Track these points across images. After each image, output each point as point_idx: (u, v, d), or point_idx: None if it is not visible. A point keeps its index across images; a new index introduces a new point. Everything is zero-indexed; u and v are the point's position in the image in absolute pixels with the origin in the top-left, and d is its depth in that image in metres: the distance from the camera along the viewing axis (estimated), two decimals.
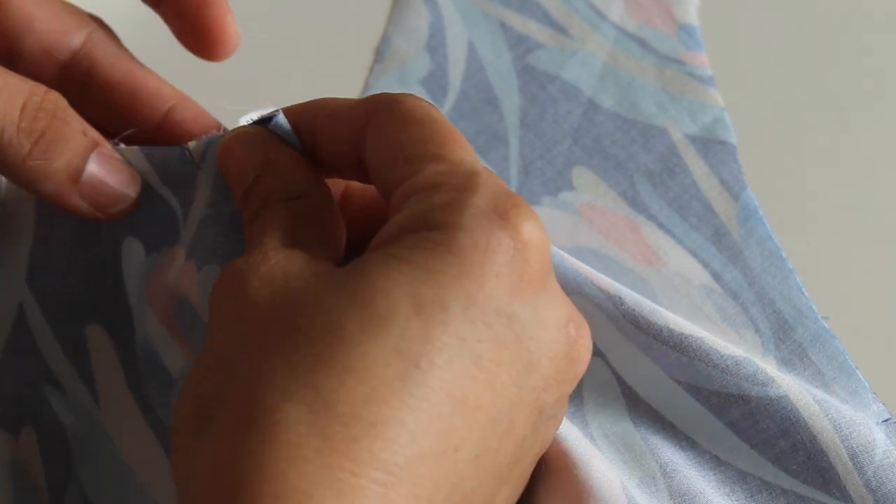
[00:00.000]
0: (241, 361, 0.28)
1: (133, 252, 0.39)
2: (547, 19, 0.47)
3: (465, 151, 0.30)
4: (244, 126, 0.35)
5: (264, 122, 0.35)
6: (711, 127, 0.45)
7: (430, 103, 0.31)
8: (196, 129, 0.38)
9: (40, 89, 0.36)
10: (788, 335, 0.40)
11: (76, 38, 0.39)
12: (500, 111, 0.45)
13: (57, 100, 0.36)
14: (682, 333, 0.36)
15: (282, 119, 0.34)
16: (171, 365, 0.39)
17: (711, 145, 0.44)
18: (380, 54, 0.47)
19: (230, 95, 0.46)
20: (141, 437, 0.39)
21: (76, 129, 0.36)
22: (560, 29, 0.47)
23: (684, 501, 0.35)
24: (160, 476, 0.38)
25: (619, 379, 0.36)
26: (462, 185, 0.29)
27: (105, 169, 0.37)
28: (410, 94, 0.32)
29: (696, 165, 0.44)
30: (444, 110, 0.45)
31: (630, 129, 0.45)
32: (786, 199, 0.44)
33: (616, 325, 0.36)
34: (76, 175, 0.36)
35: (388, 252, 0.28)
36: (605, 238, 0.42)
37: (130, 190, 0.37)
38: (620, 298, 0.36)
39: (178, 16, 0.38)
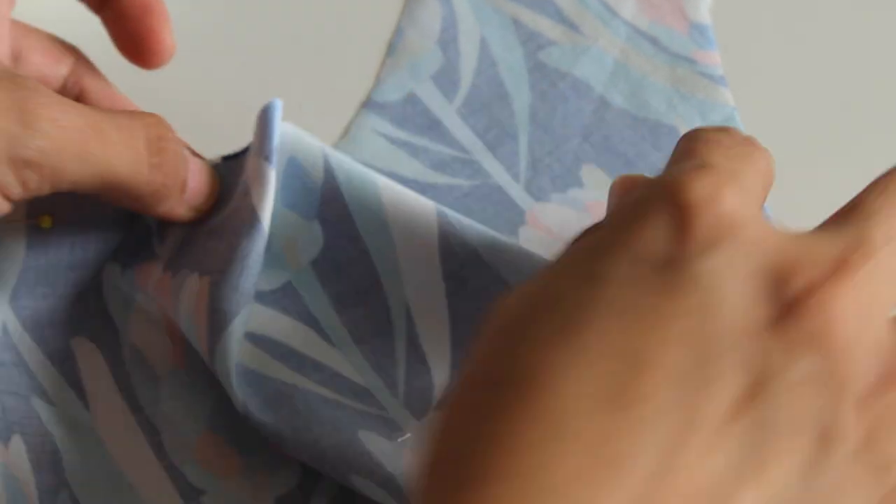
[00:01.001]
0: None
1: (114, 274, 0.40)
2: (559, 16, 0.47)
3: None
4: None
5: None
6: (722, 125, 0.45)
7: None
8: None
9: (149, 118, 0.36)
10: None
11: (63, 68, 0.39)
12: (510, 107, 0.45)
13: (161, 122, 0.37)
14: None
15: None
16: (160, 366, 0.40)
17: None
18: (392, 48, 0.47)
19: (240, 89, 0.46)
20: (130, 437, 0.39)
21: (181, 146, 0.37)
22: (572, 26, 0.47)
23: None
24: (148, 476, 0.39)
25: None
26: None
27: (194, 173, 0.38)
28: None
29: None
30: (454, 105, 0.45)
31: (640, 127, 0.45)
32: (795, 199, 0.44)
33: None
34: (184, 188, 0.38)
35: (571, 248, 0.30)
36: None
37: (214, 184, 0.39)
38: None
39: (119, 21, 0.38)
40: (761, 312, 0.26)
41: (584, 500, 0.24)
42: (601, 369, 0.25)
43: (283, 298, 0.39)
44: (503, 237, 0.38)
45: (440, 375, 0.38)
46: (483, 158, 0.44)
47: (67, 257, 0.39)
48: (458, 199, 0.43)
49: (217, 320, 0.36)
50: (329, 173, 0.39)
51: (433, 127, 0.45)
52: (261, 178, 0.37)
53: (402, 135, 0.45)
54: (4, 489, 0.38)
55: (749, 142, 0.32)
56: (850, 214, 0.30)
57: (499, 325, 0.28)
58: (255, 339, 0.38)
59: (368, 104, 0.45)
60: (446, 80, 0.46)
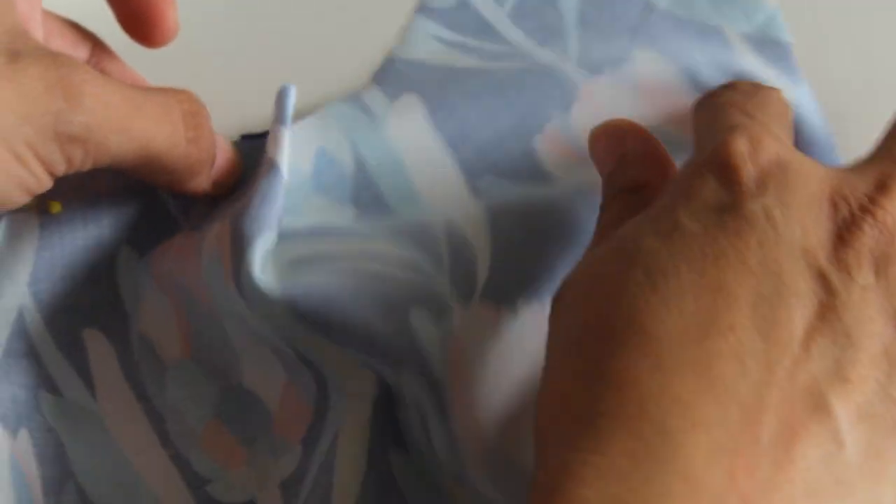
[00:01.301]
0: (599, 363, 0.29)
1: (130, 258, 0.41)
2: None
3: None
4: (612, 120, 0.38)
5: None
6: (765, 26, 0.46)
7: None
8: None
9: (181, 94, 0.37)
10: None
11: (83, 52, 0.40)
12: (558, 11, 0.47)
13: (192, 97, 0.37)
14: None
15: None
16: (168, 355, 0.41)
17: (766, 43, 0.45)
18: None
19: (305, 17, 0.47)
20: (136, 426, 0.40)
21: (210, 121, 0.38)
22: None
23: None
24: (153, 464, 0.40)
25: None
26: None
27: (220, 149, 0.39)
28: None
29: (751, 59, 0.45)
30: (505, 10, 0.47)
31: (686, 28, 0.46)
32: (840, 100, 0.45)
33: None
34: (213, 163, 0.38)
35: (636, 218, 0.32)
36: (661, 115, 0.43)
37: (239, 161, 0.40)
38: None
39: (124, 1, 0.39)
40: (819, 237, 0.29)
41: (690, 422, 0.27)
42: (691, 307, 0.28)
43: (319, 230, 0.40)
44: (538, 202, 0.40)
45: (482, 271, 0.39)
46: (533, 50, 0.46)
47: (82, 234, 0.40)
48: (511, 74, 0.44)
49: (239, 239, 0.37)
50: (359, 161, 0.41)
51: (485, 30, 0.46)
52: (277, 137, 0.39)
53: (456, 37, 0.46)
54: (11, 480, 0.39)
55: (756, 88, 0.36)
56: (880, 147, 0.33)
57: (588, 284, 0.31)
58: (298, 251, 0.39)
59: (421, 10, 0.47)
60: None
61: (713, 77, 0.44)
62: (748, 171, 0.31)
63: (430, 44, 0.46)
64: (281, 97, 0.40)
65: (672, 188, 0.32)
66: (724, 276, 0.29)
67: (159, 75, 0.41)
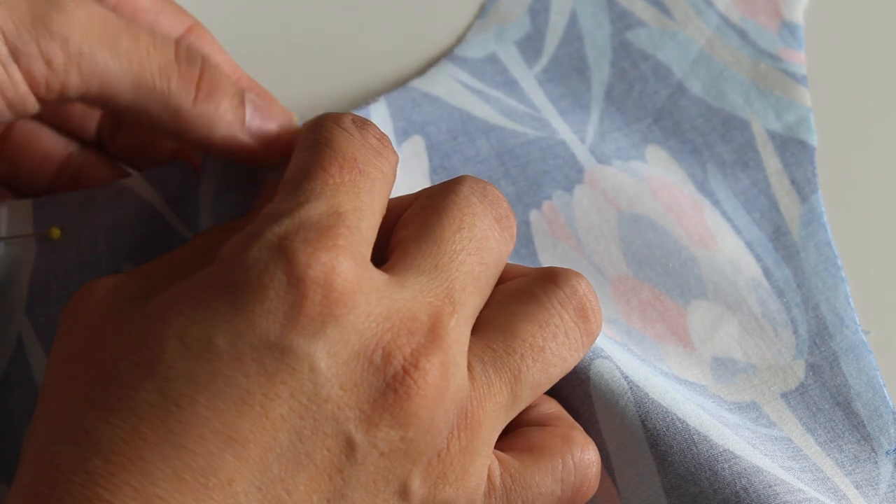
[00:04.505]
0: (45, 392, 0.30)
1: None
2: None
3: (323, 181, 0.31)
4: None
5: None
6: (794, 126, 0.45)
7: (345, 126, 0.32)
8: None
9: (178, 39, 0.36)
10: (825, 342, 0.41)
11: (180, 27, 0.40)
12: (588, 81, 0.46)
13: (195, 48, 0.36)
14: (685, 380, 0.39)
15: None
16: None
17: (791, 144, 0.45)
18: (484, 10, 0.48)
19: (333, 45, 0.48)
20: None
21: (224, 73, 0.36)
22: (665, 10, 0.48)
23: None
24: None
25: (626, 378, 0.36)
26: (266, 216, 0.30)
27: (261, 113, 0.37)
28: (332, 121, 0.32)
29: (771, 162, 0.45)
30: (534, 72, 0.47)
31: (713, 117, 0.46)
32: (853, 208, 0.45)
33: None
34: (243, 116, 0.36)
35: (179, 290, 0.29)
36: (665, 210, 0.43)
37: (291, 125, 0.38)
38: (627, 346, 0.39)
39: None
40: (358, 397, 0.29)
41: None
42: (196, 448, 0.27)
43: None
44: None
45: None
46: (552, 118, 0.45)
47: (76, 256, 0.39)
48: (521, 144, 0.44)
49: None
50: None
51: (509, 84, 0.46)
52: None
53: (478, 84, 0.46)
54: None
55: (380, 146, 0.33)
56: (433, 251, 0.32)
57: (73, 388, 0.29)
58: None
59: (449, 57, 0.47)
60: (530, 47, 0.47)
61: (722, 180, 0.44)
62: (314, 302, 0.28)
63: (451, 84, 0.46)
64: None
65: (231, 275, 0.29)
66: (241, 423, 0.27)
67: None
